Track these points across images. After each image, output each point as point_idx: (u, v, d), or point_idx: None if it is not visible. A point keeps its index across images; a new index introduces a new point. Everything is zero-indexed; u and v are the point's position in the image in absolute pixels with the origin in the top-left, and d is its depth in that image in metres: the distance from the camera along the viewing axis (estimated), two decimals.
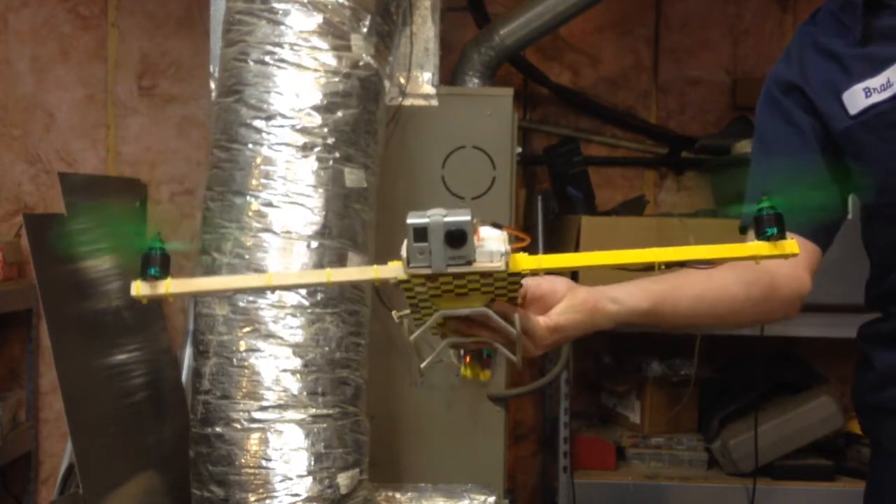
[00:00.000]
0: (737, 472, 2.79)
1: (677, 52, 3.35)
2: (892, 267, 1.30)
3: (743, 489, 2.73)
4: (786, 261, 1.28)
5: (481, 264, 1.00)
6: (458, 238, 0.98)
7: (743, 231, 1.38)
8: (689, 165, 3.31)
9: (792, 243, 0.99)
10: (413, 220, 0.99)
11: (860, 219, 1.35)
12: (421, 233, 0.99)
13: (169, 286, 1.04)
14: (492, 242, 1.01)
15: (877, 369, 1.33)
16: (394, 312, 1.13)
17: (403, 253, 1.01)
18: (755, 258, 1.00)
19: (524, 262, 1.02)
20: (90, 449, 1.99)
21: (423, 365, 1.11)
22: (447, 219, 0.98)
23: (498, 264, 1.00)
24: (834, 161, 1.32)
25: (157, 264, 1.04)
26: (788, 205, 1.31)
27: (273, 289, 1.06)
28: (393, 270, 1.03)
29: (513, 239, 1.04)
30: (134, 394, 2.27)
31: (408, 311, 1.11)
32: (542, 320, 1.09)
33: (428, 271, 1.00)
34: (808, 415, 2.79)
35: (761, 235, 1.00)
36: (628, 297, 1.15)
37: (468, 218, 0.99)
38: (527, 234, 1.08)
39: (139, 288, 1.04)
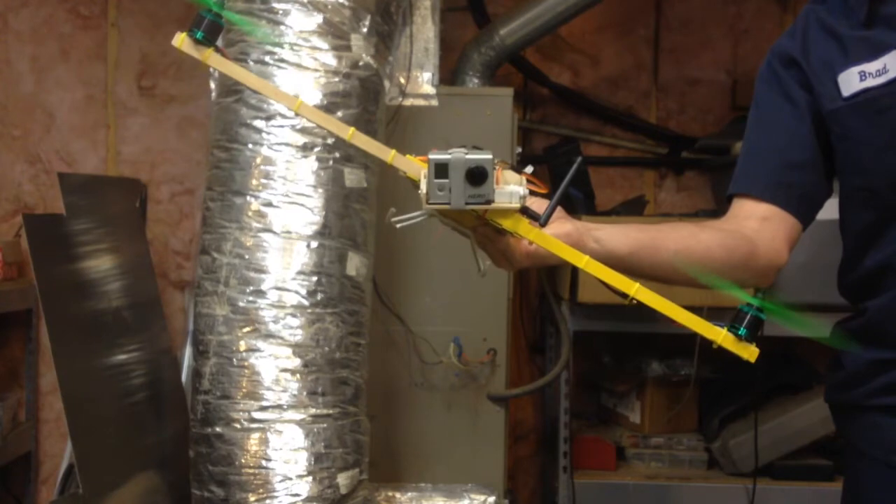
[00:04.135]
0: (737, 472, 2.79)
1: (677, 52, 3.35)
2: (864, 253, 1.31)
3: (743, 489, 2.73)
4: (767, 232, 1.31)
5: (500, 204, 1.03)
6: (478, 176, 1.02)
7: (728, 200, 1.39)
8: (689, 165, 3.30)
9: (754, 351, 1.04)
10: (435, 155, 1.02)
11: (838, 201, 1.36)
12: (442, 169, 1.02)
13: (209, 55, 1.11)
14: (512, 184, 1.05)
15: (846, 367, 1.34)
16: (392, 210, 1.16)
17: (423, 188, 1.03)
18: (715, 344, 1.06)
19: (523, 227, 1.07)
20: (90, 449, 1.99)
21: (395, 217, 1.13)
22: (469, 156, 1.01)
23: (515, 205, 1.05)
24: (824, 139, 1.33)
25: (206, 29, 1.11)
26: (775, 178, 1.33)
27: (298, 114, 1.14)
28: (406, 163, 1.08)
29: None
30: (134, 394, 2.27)
31: (394, 210, 1.15)
32: (524, 245, 1.11)
33: (447, 207, 1.02)
34: (808, 415, 2.79)
35: (732, 329, 1.04)
36: (610, 239, 1.18)
37: (490, 156, 1.02)
38: (543, 183, 1.12)
39: (182, 41, 1.11)
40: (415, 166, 1.07)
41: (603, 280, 1.08)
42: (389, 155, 1.09)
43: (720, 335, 1.05)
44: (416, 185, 1.07)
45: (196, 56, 1.11)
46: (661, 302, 1.07)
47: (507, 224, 1.07)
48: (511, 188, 1.04)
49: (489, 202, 1.03)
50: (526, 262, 1.13)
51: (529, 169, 1.10)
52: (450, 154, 1.02)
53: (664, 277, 1.19)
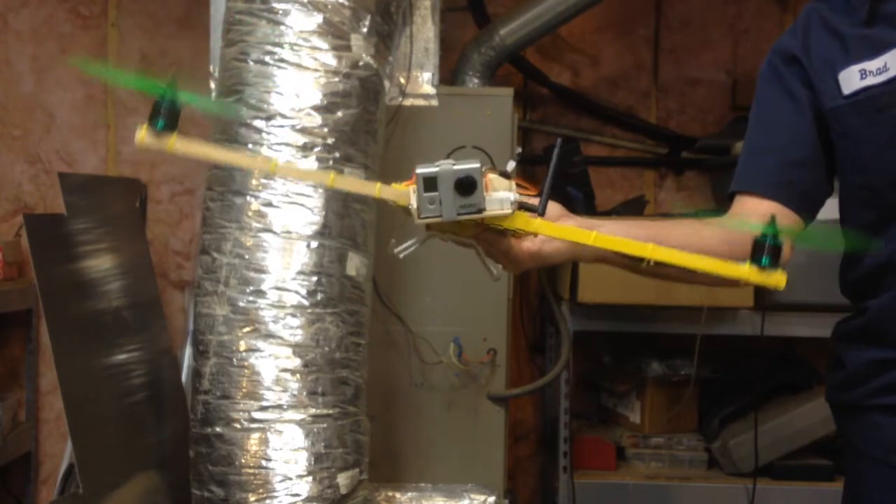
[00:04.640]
0: (737, 472, 2.79)
1: (677, 52, 3.35)
2: (864, 252, 1.30)
3: (743, 489, 2.73)
4: None
5: (492, 212, 1.03)
6: (467, 186, 1.01)
7: (730, 198, 1.39)
8: (689, 165, 3.31)
9: (780, 277, 1.04)
10: (422, 169, 1.01)
11: (839, 200, 1.36)
12: (431, 182, 1.01)
13: (173, 143, 1.02)
14: (502, 191, 1.04)
15: (847, 367, 1.34)
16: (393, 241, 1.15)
17: (413, 203, 1.03)
18: (741, 282, 1.05)
19: (521, 221, 1.07)
20: (90, 449, 1.99)
21: (397, 248, 1.13)
22: (457, 167, 1.01)
23: (507, 211, 1.04)
24: (825, 136, 1.34)
25: (165, 116, 1.01)
26: (777, 175, 1.34)
27: (275, 175, 1.10)
28: (393, 193, 1.06)
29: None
30: (134, 394, 2.27)
31: (395, 241, 1.14)
32: (526, 245, 1.11)
33: (439, 220, 1.02)
34: (808, 415, 2.79)
35: (755, 261, 1.03)
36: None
37: (477, 165, 1.01)
38: (532, 185, 1.12)
39: (143, 136, 1.01)
40: (402, 193, 1.05)
41: (616, 250, 1.08)
42: (375, 188, 1.07)
43: (744, 271, 1.04)
44: (407, 211, 1.05)
45: (160, 149, 1.01)
46: (677, 255, 1.07)
47: (507, 223, 1.07)
48: (501, 194, 1.04)
49: (480, 211, 1.02)
50: (529, 262, 1.13)
51: (511, 165, 1.09)
52: (437, 166, 1.01)
53: (665, 274, 1.19)
